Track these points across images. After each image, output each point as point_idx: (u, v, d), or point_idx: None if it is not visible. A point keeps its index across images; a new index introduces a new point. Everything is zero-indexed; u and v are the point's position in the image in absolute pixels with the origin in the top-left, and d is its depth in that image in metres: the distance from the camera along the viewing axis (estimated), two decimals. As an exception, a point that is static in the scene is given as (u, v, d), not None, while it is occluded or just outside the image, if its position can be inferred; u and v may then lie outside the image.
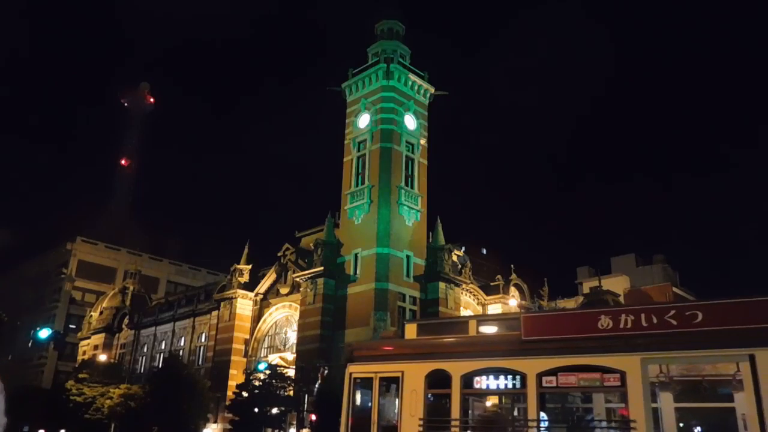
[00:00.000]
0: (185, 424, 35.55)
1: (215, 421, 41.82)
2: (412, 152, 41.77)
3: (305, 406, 33.05)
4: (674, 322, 8.66)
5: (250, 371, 38.06)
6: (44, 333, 31.96)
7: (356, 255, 38.60)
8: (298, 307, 40.23)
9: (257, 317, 44.57)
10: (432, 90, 44.27)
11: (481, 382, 9.73)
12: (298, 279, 40.37)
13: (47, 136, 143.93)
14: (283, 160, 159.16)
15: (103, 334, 58.04)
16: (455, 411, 9.40)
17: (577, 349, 8.94)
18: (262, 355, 42.90)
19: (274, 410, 34.23)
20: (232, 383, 41.54)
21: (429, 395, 9.84)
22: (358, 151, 41.63)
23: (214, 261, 74.25)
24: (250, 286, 45.27)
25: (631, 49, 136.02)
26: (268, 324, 44.10)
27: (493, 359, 9.56)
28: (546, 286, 48.11)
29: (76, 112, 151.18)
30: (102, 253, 72.47)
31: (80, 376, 42.53)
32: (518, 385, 9.27)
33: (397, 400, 10.12)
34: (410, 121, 42.13)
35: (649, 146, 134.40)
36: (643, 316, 8.94)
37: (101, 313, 60.62)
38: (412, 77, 42.90)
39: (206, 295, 51.08)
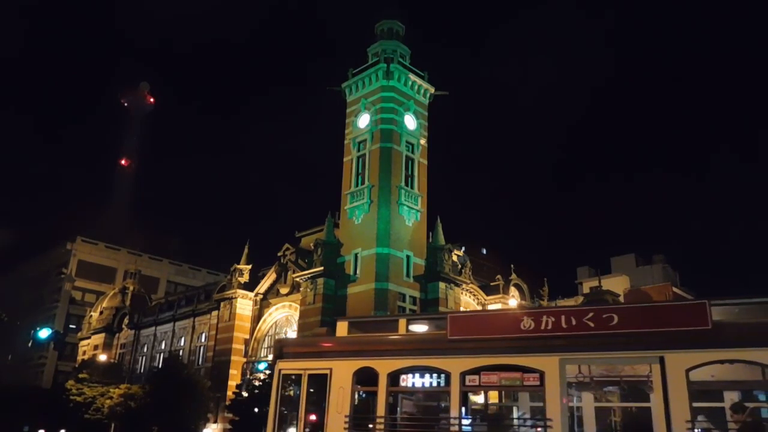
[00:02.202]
0: (185, 424, 35.58)
1: (215, 421, 41.84)
2: (412, 152, 41.78)
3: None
4: (592, 325, 8.88)
5: (250, 371, 38.09)
6: (44, 333, 32.00)
7: (356, 255, 38.61)
8: (298, 307, 40.25)
9: (257, 317, 44.60)
10: (432, 90, 44.28)
11: (407, 380, 9.94)
12: (298, 279, 40.38)
13: (47, 136, 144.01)
14: (283, 160, 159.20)
15: (103, 334, 58.05)
16: (381, 408, 9.46)
17: (500, 349, 9.11)
18: (262, 355, 42.92)
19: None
20: (232, 383, 41.57)
21: (356, 392, 9.93)
22: (358, 151, 41.64)
23: (214, 261, 74.31)
24: (250, 286, 45.30)
25: (630, 48, 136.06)
26: (268, 324, 44.13)
27: (419, 358, 9.69)
28: (546, 286, 48.08)
29: (76, 112, 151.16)
30: (102, 253, 72.48)
31: (80, 376, 42.55)
32: (443, 384, 9.45)
33: (325, 397, 10.15)
34: (410, 121, 42.14)
35: (650, 146, 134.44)
36: (563, 318, 9.16)
37: (101, 313, 60.64)
38: (412, 77, 42.91)
39: (206, 295, 51.10)
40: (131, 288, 61.38)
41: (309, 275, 39.05)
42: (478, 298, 43.09)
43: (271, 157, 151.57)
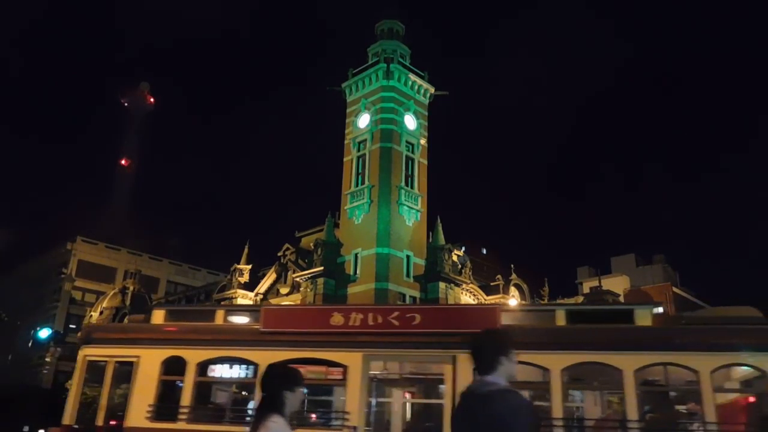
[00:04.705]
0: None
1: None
2: (412, 152, 41.77)
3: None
4: (396, 323, 9.18)
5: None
6: (44, 333, 31.99)
7: (356, 255, 38.60)
8: (298, 307, 40.27)
9: (257, 317, 44.55)
10: (432, 90, 44.27)
11: (216, 371, 9.87)
12: (298, 279, 40.38)
13: (47, 136, 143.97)
14: (283, 160, 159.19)
15: (103, 334, 57.92)
16: (187, 398, 9.42)
17: (309, 342, 9.29)
18: (262, 355, 42.89)
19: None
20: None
21: (164, 381, 9.80)
22: (358, 151, 41.63)
23: (214, 261, 74.27)
24: (250, 286, 45.27)
25: (631, 49, 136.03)
26: (268, 324, 44.08)
27: (230, 349, 9.69)
28: (546, 286, 48.08)
29: (76, 112, 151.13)
30: (102, 253, 72.40)
31: (80, 376, 42.48)
32: (250, 375, 9.48)
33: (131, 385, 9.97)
34: (410, 121, 42.14)
35: (650, 146, 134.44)
36: (370, 315, 9.42)
37: (101, 313, 60.54)
38: (412, 77, 42.91)
39: (206, 295, 51.08)
40: (131, 288, 61.31)
41: (309, 275, 39.04)
42: (478, 298, 43.07)
43: (271, 157, 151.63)
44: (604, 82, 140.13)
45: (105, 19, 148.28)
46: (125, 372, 10.13)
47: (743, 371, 8.42)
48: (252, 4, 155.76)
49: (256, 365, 9.34)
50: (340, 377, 8.99)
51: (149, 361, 9.88)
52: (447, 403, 8.58)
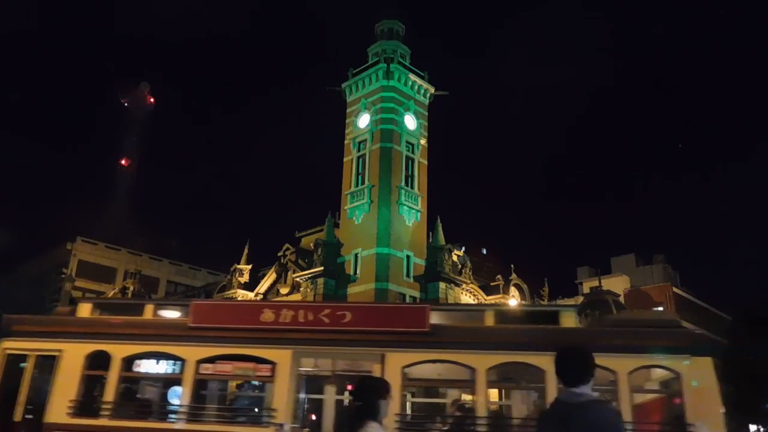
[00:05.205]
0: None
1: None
2: (412, 152, 41.77)
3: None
4: (327, 321, 9.16)
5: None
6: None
7: (356, 255, 38.60)
8: (298, 307, 40.21)
9: (257, 317, 44.54)
10: (432, 90, 44.27)
11: (142, 366, 9.81)
12: (298, 279, 40.37)
13: (47, 136, 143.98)
14: (284, 160, 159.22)
15: (103, 334, 57.92)
16: (110, 393, 9.25)
17: (238, 339, 9.20)
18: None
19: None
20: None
21: (88, 376, 9.59)
22: (358, 151, 41.63)
23: (214, 261, 74.20)
24: (250, 286, 45.25)
25: (631, 48, 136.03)
26: (268, 324, 44.08)
27: (157, 344, 9.54)
28: (546, 286, 48.07)
29: (76, 112, 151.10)
30: (102, 253, 72.37)
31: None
32: (177, 371, 9.36)
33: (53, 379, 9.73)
34: (410, 121, 42.14)
35: (650, 146, 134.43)
36: (300, 312, 9.39)
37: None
38: (412, 77, 42.90)
39: (206, 295, 51.07)
40: (131, 288, 61.24)
41: (309, 275, 39.03)
42: (478, 298, 43.04)
43: (271, 157, 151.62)
44: (605, 82, 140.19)
45: (105, 18, 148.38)
46: (47, 366, 9.86)
47: (661, 372, 8.62)
48: (252, 4, 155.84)
49: (183, 361, 9.19)
50: (268, 374, 8.92)
51: (72, 356, 9.63)
52: None
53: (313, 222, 45.95)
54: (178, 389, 9.59)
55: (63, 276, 69.26)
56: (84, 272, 69.92)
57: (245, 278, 45.46)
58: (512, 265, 46.29)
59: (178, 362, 9.38)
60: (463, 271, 42.03)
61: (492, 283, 45.18)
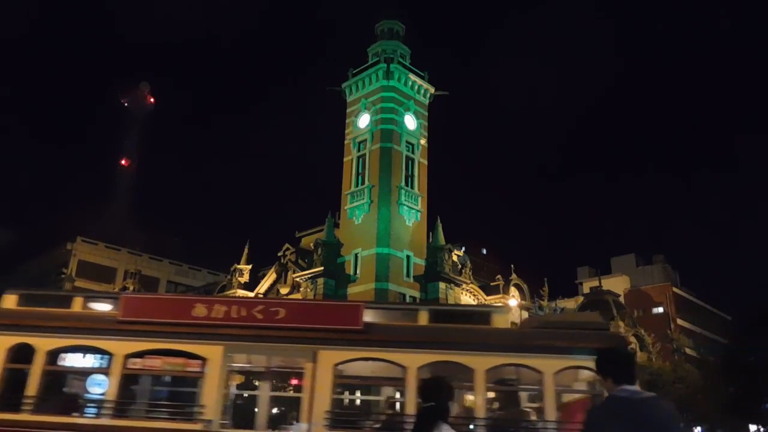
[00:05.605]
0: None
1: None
2: (412, 152, 41.78)
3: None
4: (260, 316, 9.09)
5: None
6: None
7: (356, 255, 38.60)
8: (298, 307, 40.21)
9: (257, 317, 44.55)
10: (432, 90, 44.27)
11: (67, 360, 9.58)
12: (298, 279, 40.37)
13: (47, 136, 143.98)
14: (284, 160, 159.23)
15: (103, 334, 57.91)
16: (33, 388, 9.10)
17: (169, 333, 9.08)
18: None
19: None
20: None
21: (9, 370, 9.38)
22: (358, 151, 41.64)
23: (214, 261, 74.15)
24: (250, 286, 45.26)
25: (630, 48, 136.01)
26: (268, 324, 44.09)
27: (85, 337, 9.35)
28: (546, 286, 47.99)
29: (77, 112, 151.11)
30: (102, 253, 72.33)
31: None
32: (104, 365, 9.22)
33: None
34: (410, 121, 42.14)
35: (650, 146, 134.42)
36: (233, 307, 9.30)
37: (101, 313, 60.57)
38: (412, 77, 42.90)
39: (206, 295, 51.06)
40: (131, 288, 61.21)
41: (309, 275, 39.04)
42: (478, 299, 43.06)
43: (271, 157, 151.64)
44: (605, 82, 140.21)
45: (105, 18, 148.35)
46: None
47: (588, 373, 8.74)
48: (253, 4, 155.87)
49: (111, 355, 9.05)
50: (198, 369, 8.83)
51: None
52: (305, 398, 8.61)
53: (313, 222, 46.02)
54: (98, 378, 9.47)
55: (63, 276, 69.20)
56: (84, 272, 69.87)
57: (245, 278, 45.47)
58: (512, 265, 46.31)
59: (105, 357, 9.20)
60: (463, 271, 42.03)
61: (492, 283, 45.18)
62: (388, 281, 36.82)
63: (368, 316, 9.11)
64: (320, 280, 38.41)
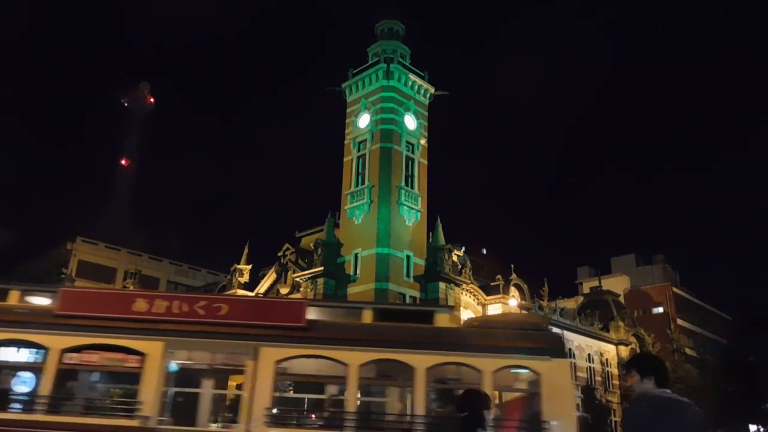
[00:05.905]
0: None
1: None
2: (412, 152, 41.78)
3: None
4: (202, 312, 9.04)
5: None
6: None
7: (356, 255, 38.60)
8: (298, 307, 40.18)
9: (257, 317, 44.52)
10: (432, 90, 44.26)
11: (1, 354, 9.43)
12: (298, 279, 40.37)
13: (48, 136, 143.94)
14: (284, 160, 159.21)
15: (103, 334, 57.90)
16: None
17: (108, 328, 8.93)
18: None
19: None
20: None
21: None
22: (358, 151, 41.64)
23: (214, 261, 74.19)
24: (250, 286, 45.24)
25: (630, 48, 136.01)
26: (268, 324, 44.06)
27: (18, 331, 9.14)
28: (546, 286, 47.99)
29: (76, 112, 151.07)
30: (102, 253, 72.33)
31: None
32: (40, 360, 9.04)
33: None
34: (410, 121, 42.14)
35: (651, 146, 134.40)
36: (175, 303, 9.19)
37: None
38: (412, 77, 42.90)
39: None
40: (131, 288, 61.32)
41: (309, 275, 39.03)
42: (478, 299, 43.04)
43: (271, 157, 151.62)
44: (605, 81, 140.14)
45: (105, 18, 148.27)
46: None
47: (526, 372, 8.88)
48: (252, 4, 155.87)
49: (46, 349, 8.87)
50: (137, 365, 8.70)
51: None
52: (245, 396, 8.62)
53: (313, 222, 46.00)
54: (24, 375, 9.25)
55: (63, 276, 69.14)
56: (84, 272, 69.87)
57: (245, 278, 45.46)
58: (512, 265, 46.28)
59: (41, 351, 9.02)
60: (463, 271, 42.01)
61: (492, 283, 45.15)
62: (388, 281, 36.82)
63: (312, 314, 9.12)
64: (320, 280, 38.41)
